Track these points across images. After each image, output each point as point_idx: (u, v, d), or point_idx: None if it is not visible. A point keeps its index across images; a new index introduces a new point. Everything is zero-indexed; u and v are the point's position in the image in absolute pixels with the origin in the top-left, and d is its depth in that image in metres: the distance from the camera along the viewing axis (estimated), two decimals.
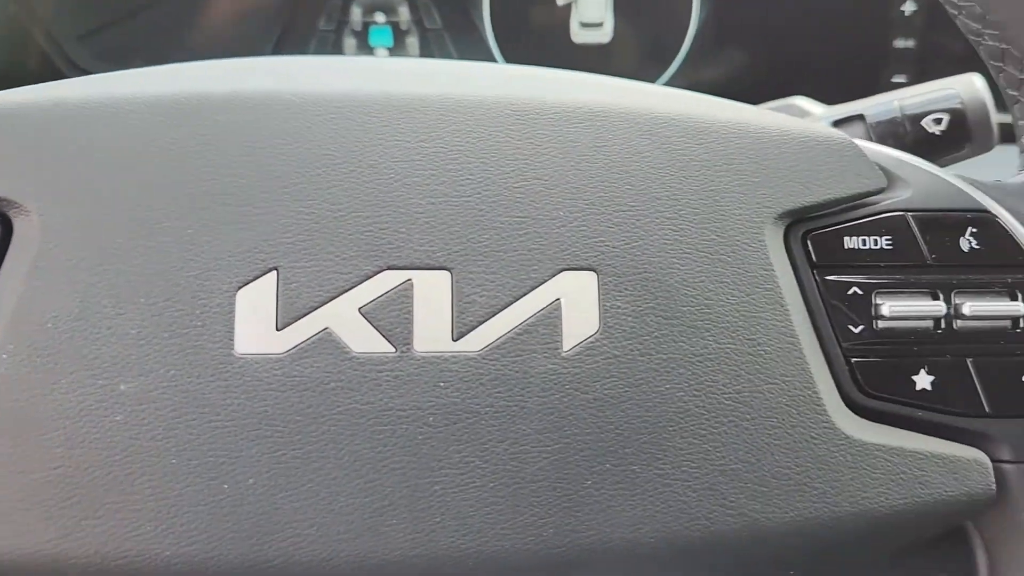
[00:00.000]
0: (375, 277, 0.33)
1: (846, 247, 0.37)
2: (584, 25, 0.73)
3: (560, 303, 0.34)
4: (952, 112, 0.54)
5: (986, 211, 0.38)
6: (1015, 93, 0.41)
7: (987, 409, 0.36)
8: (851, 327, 0.37)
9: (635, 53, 0.74)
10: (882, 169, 0.38)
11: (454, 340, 0.33)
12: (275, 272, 0.33)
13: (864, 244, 0.37)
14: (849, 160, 0.37)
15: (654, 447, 0.34)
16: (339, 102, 0.35)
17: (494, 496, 0.33)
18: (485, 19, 0.72)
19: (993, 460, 0.37)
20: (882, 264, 0.37)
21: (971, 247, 0.37)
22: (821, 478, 0.35)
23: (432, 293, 0.33)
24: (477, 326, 0.33)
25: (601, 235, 0.34)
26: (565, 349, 0.34)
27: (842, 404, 0.36)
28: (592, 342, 0.34)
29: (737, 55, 0.75)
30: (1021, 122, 0.42)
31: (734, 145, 0.37)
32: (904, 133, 0.54)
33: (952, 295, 0.37)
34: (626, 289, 0.34)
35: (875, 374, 0.36)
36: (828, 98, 0.60)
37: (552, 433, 0.33)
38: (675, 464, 0.34)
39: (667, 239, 0.35)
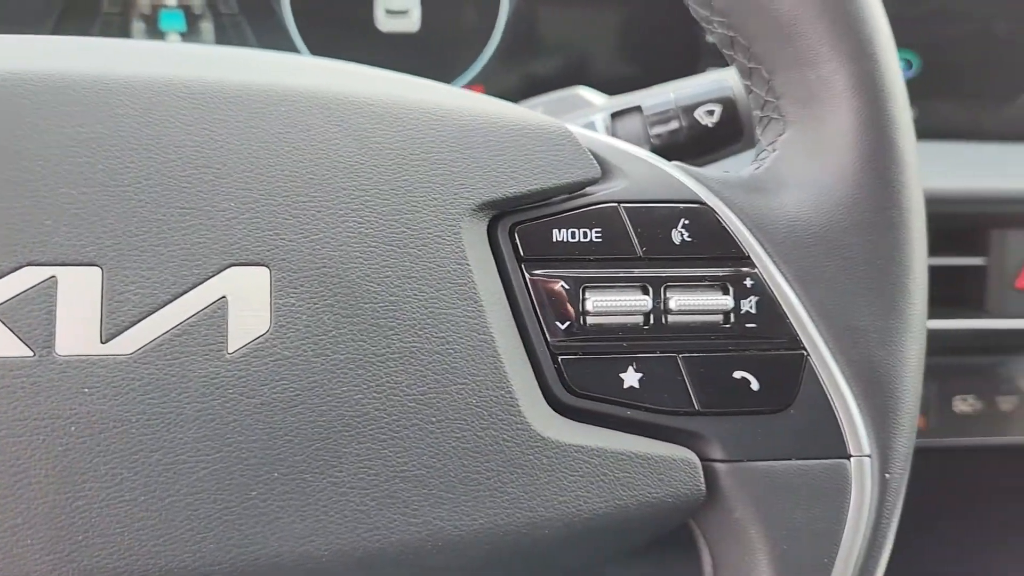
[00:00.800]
0: (13, 274, 0.30)
1: (555, 240, 0.35)
2: (390, 13, 0.70)
3: (226, 301, 0.31)
4: (724, 103, 0.53)
5: (701, 203, 0.37)
6: (748, 83, 0.41)
7: (697, 407, 0.35)
8: (558, 323, 0.35)
9: (445, 43, 0.72)
10: (597, 158, 0.37)
11: (103, 342, 0.30)
12: None
13: (573, 237, 0.36)
14: (561, 149, 0.36)
15: (328, 453, 0.31)
16: None
17: (145, 510, 0.30)
18: (284, 4, 0.69)
19: (704, 459, 0.36)
20: (591, 258, 0.36)
21: (683, 240, 0.36)
22: (514, 482, 0.33)
23: (79, 291, 0.30)
24: (130, 327, 0.31)
25: (276, 228, 0.32)
26: (230, 350, 0.31)
27: (544, 404, 0.35)
28: (261, 342, 0.31)
29: (550, 45, 0.73)
30: (756, 112, 0.41)
31: (434, 132, 0.35)
32: (678, 125, 0.53)
33: (663, 289, 0.36)
34: (302, 286, 0.32)
35: (582, 372, 0.35)
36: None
37: (213, 441, 0.31)
38: (352, 471, 0.32)
39: (350, 232, 0.33)
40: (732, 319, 0.36)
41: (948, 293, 0.80)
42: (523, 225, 0.35)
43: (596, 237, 0.36)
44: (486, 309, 0.34)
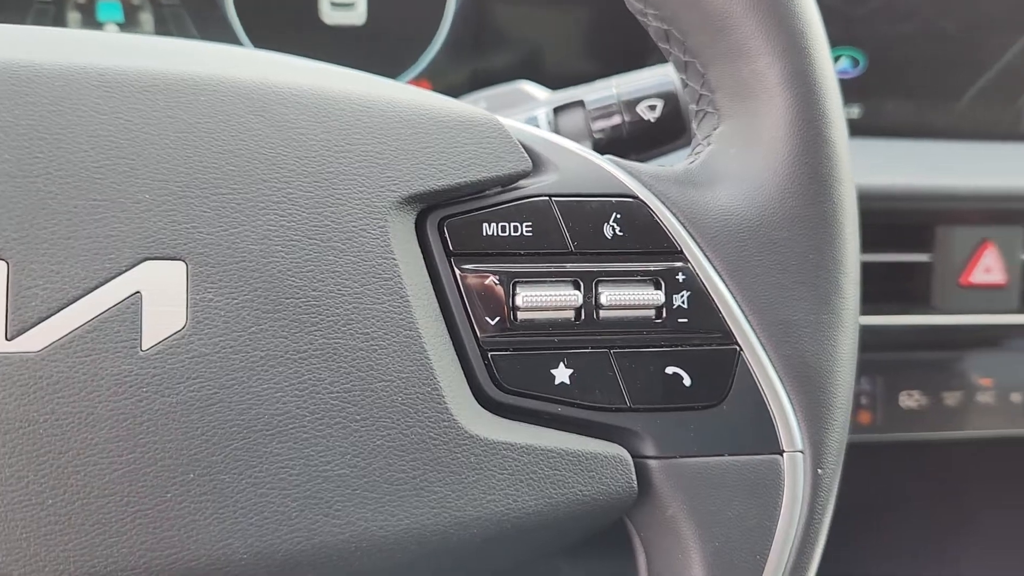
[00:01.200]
0: None
1: (484, 234, 0.35)
2: (335, 5, 0.69)
3: (140, 296, 0.30)
4: (666, 97, 0.53)
5: (633, 196, 0.36)
6: (683, 76, 0.40)
7: (628, 403, 0.35)
8: (488, 319, 0.34)
9: (392, 36, 0.71)
10: (529, 151, 0.36)
11: (8, 339, 0.29)
12: None
13: (504, 231, 0.35)
14: (491, 141, 0.35)
15: (248, 453, 0.31)
16: None
17: (53, 514, 0.29)
18: None
19: (636, 456, 0.35)
20: (522, 252, 0.35)
21: (615, 234, 0.36)
22: (441, 481, 0.32)
23: None
24: (37, 323, 0.30)
25: (193, 221, 0.31)
26: (144, 347, 0.30)
27: (473, 401, 0.34)
28: (177, 339, 0.30)
29: (499, 39, 0.73)
30: (692, 106, 0.41)
31: (361, 124, 0.34)
32: (621, 120, 0.53)
33: (594, 284, 0.35)
34: (220, 280, 0.31)
35: (513, 368, 0.34)
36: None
37: (126, 441, 0.30)
38: (272, 471, 0.31)
39: (272, 226, 0.32)
40: (664, 314, 0.36)
41: (895, 289, 0.80)
42: (452, 219, 0.35)
43: (527, 231, 0.35)
44: (413, 304, 0.33)
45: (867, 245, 0.80)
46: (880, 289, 0.81)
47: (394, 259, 0.33)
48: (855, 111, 0.81)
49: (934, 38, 0.80)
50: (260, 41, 0.69)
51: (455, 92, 0.75)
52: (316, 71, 0.36)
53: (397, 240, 0.33)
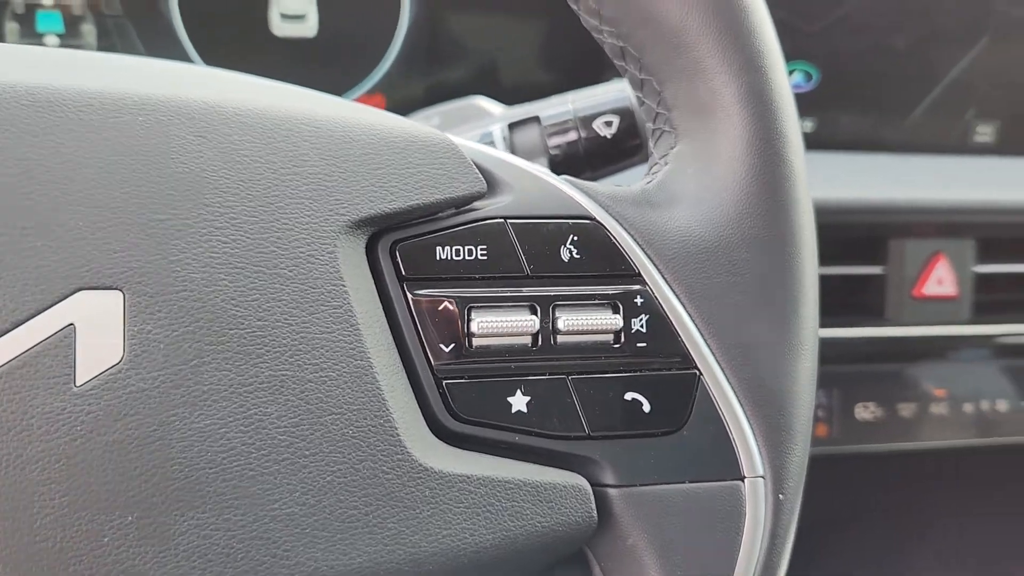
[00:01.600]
0: None
1: (438, 258, 0.34)
2: (285, 17, 0.68)
3: (74, 328, 0.29)
4: (622, 113, 0.52)
5: (590, 218, 0.35)
6: (639, 94, 0.40)
7: (587, 430, 0.34)
8: (442, 346, 0.33)
9: (344, 49, 0.70)
10: (483, 172, 0.35)
11: None
12: None
13: (459, 255, 0.34)
14: (444, 162, 0.34)
15: (190, 493, 0.29)
16: None
17: None
18: (173, 6, 0.66)
19: (596, 484, 0.34)
20: (477, 276, 0.34)
21: (571, 257, 0.35)
22: (395, 517, 0.31)
23: None
24: None
25: (131, 248, 0.30)
26: (79, 383, 0.29)
27: (427, 432, 0.33)
28: (113, 374, 0.29)
29: (454, 53, 0.72)
30: (649, 124, 0.40)
31: (309, 145, 0.33)
32: (577, 136, 0.52)
33: (551, 309, 0.34)
34: (160, 311, 0.30)
35: (468, 397, 0.33)
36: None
37: (59, 483, 0.28)
38: (216, 511, 0.29)
39: (214, 253, 0.30)
40: (623, 338, 0.35)
41: (849, 302, 0.81)
42: (405, 243, 0.34)
43: (482, 255, 0.34)
44: (363, 332, 0.32)
45: (821, 258, 0.81)
46: (835, 302, 0.81)
47: (343, 285, 0.32)
48: (808, 125, 0.81)
49: (885, 53, 0.81)
50: (208, 54, 0.67)
51: (410, 105, 0.74)
52: (262, 89, 0.35)
53: (347, 265, 0.32)
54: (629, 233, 0.36)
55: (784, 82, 0.37)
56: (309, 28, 0.68)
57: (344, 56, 0.70)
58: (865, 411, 0.79)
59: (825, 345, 0.81)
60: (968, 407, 0.81)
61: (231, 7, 0.67)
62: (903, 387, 0.80)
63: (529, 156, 0.53)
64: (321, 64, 0.70)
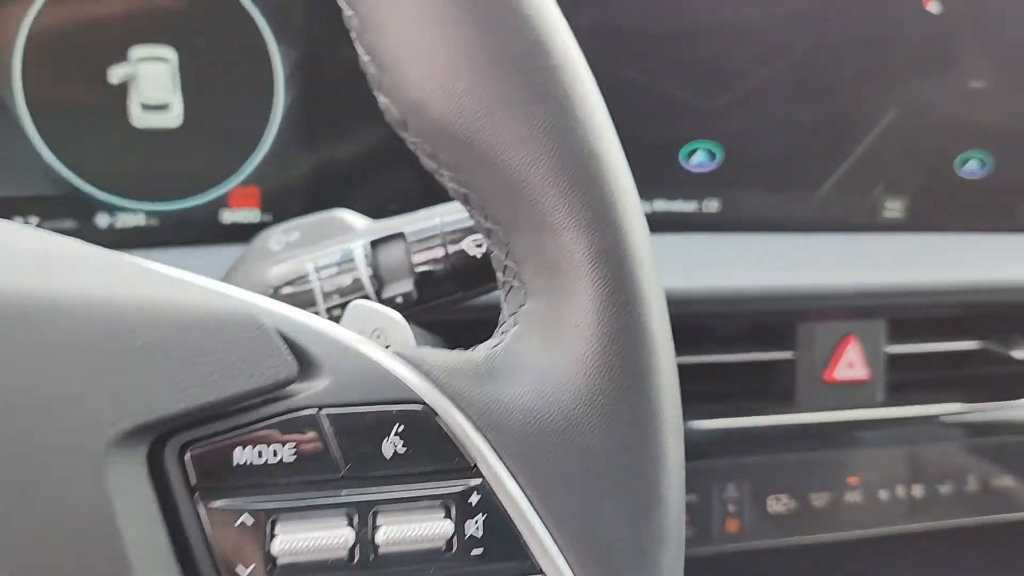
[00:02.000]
0: None
1: (236, 463, 0.29)
2: (147, 107, 0.62)
3: None
4: None
5: (420, 402, 0.31)
6: (488, 242, 0.36)
7: None
8: (240, 569, 0.29)
9: (213, 140, 0.65)
10: (296, 350, 0.30)
11: None
12: None
13: (260, 457, 0.29)
14: (248, 344, 0.30)
15: None
16: None
17: None
18: (16, 93, 0.60)
19: None
20: (283, 481, 0.29)
21: (395, 452, 0.30)
22: None
23: None
24: None
25: None
26: None
27: None
28: None
29: (331, 142, 0.67)
30: (499, 275, 0.36)
31: (70, 334, 0.28)
32: (444, 254, 0.48)
33: (371, 516, 0.30)
34: None
35: None
36: (430, 198, 0.51)
37: None
38: None
39: None
40: (454, 545, 0.30)
41: (757, 388, 0.78)
42: (196, 445, 0.29)
43: (289, 455, 0.29)
44: (134, 564, 0.27)
45: (728, 344, 0.78)
46: (742, 389, 0.78)
47: (109, 504, 0.27)
48: (714, 205, 0.78)
49: (791, 129, 0.79)
50: (59, 148, 0.62)
51: (287, 196, 0.69)
52: (24, 266, 0.30)
53: (118, 481, 0.27)
54: (466, 415, 0.31)
55: (641, 236, 0.33)
56: (173, 118, 0.63)
57: (214, 147, 0.65)
58: (777, 503, 0.76)
59: (735, 436, 0.78)
60: (883, 493, 0.79)
61: (86, 98, 0.62)
62: (815, 476, 0.77)
63: (394, 275, 0.49)
64: (187, 156, 0.64)
